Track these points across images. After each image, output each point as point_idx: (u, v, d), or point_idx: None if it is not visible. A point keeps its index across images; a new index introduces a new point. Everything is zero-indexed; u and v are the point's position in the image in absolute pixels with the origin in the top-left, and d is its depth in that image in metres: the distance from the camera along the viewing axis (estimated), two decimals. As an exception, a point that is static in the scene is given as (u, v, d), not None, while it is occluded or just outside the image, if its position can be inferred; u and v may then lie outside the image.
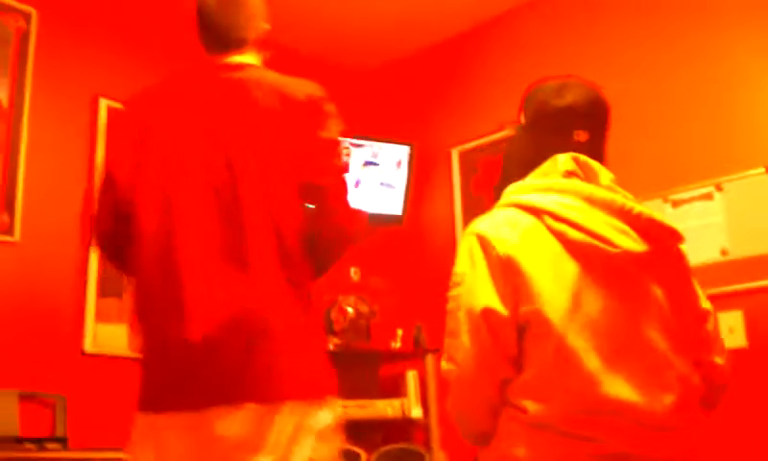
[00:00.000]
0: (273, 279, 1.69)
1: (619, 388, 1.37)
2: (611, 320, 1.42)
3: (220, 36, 1.90)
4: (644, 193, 3.39)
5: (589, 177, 1.54)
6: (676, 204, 3.36)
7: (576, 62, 3.81)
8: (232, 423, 1.61)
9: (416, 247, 4.32)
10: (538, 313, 1.40)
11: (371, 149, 4.19)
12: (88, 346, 3.29)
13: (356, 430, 3.32)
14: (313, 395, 1.68)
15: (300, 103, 1.80)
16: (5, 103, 3.23)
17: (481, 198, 4.04)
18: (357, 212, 1.85)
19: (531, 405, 1.39)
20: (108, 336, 3.35)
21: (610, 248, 1.42)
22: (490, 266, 1.44)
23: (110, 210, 1.83)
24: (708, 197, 3.29)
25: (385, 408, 3.76)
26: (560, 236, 1.44)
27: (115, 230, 1.83)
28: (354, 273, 4.33)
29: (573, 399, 1.37)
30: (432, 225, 4.29)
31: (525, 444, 1.39)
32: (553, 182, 1.52)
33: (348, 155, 1.90)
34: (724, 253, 3.18)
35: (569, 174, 1.53)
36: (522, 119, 1.68)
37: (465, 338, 1.45)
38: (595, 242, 1.43)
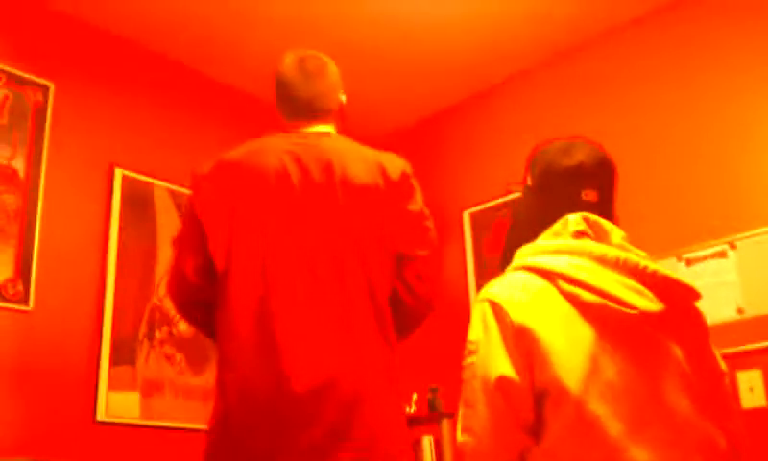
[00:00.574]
0: (373, 340, 1.72)
1: (644, 455, 1.33)
2: (630, 384, 1.38)
3: (306, 106, 1.93)
4: (657, 252, 3.38)
5: (601, 236, 1.53)
6: (690, 262, 3.34)
7: (586, 123, 3.85)
8: None
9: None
10: (554, 380, 1.37)
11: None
12: (101, 414, 3.27)
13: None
14: (405, 459, 1.70)
15: (396, 176, 1.87)
16: (22, 174, 3.28)
17: (493, 259, 4.04)
18: (439, 282, 1.94)
19: None
20: (121, 404, 3.33)
21: (625, 309, 1.40)
22: (503, 333, 1.42)
23: (203, 268, 1.82)
24: (722, 255, 3.27)
25: (400, 475, 3.70)
26: (573, 299, 1.42)
27: (205, 287, 1.82)
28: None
29: None
30: (445, 287, 4.27)
31: None
32: (564, 244, 1.51)
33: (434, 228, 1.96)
34: (740, 311, 3.15)
35: (580, 234, 1.51)
36: (529, 180, 1.68)
37: (481, 408, 1.42)
38: (610, 304, 1.40)
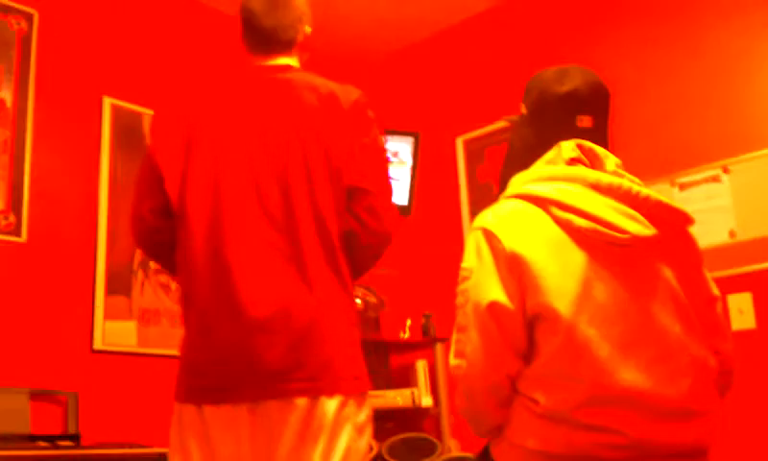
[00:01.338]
0: (323, 275, 1.73)
1: (633, 375, 1.36)
2: (621, 307, 1.41)
3: (266, 38, 1.91)
4: (651, 176, 3.38)
5: (595, 163, 1.53)
6: (683, 186, 3.35)
7: (580, 49, 3.80)
8: (283, 415, 1.65)
9: (423, 237, 4.32)
10: (546, 305, 1.39)
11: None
12: (98, 343, 3.30)
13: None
14: (358, 390, 1.73)
15: (349, 108, 1.84)
16: (9, 104, 3.24)
17: (488, 184, 4.04)
18: (398, 215, 1.90)
19: (542, 397, 1.38)
20: (117, 333, 3.36)
21: (618, 234, 1.41)
22: (496, 260, 1.44)
23: (160, 209, 1.84)
24: (716, 179, 3.27)
25: (395, 398, 3.76)
26: (565, 225, 1.43)
27: (163, 227, 1.85)
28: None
29: (585, 388, 1.36)
30: (439, 214, 4.28)
31: (537, 435, 1.39)
32: (558, 171, 1.51)
33: (389, 160, 1.94)
34: (732, 234, 3.17)
35: (574, 161, 1.51)
36: (524, 109, 1.67)
37: (473, 333, 1.45)
38: (602, 229, 1.42)
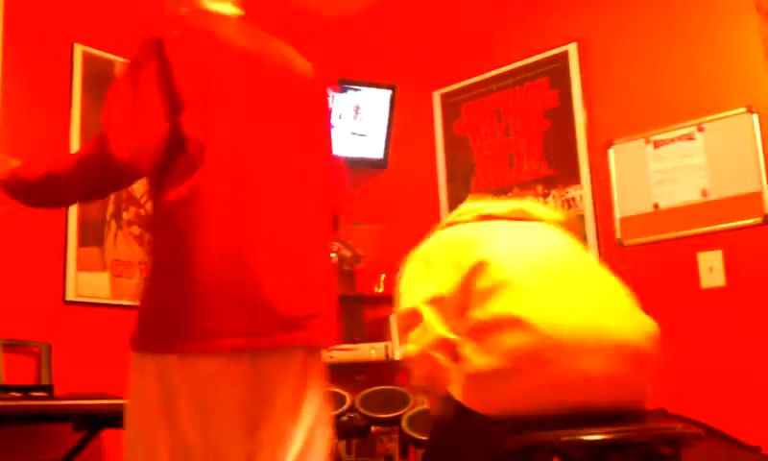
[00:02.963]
0: (324, 234, 1.80)
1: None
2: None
3: None
4: (625, 134, 3.39)
5: None
6: (657, 144, 3.36)
7: (559, 5, 3.77)
8: (280, 364, 1.64)
9: (399, 191, 4.31)
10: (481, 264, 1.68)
11: (354, 94, 4.15)
12: (70, 294, 3.28)
13: (341, 373, 3.35)
14: (331, 341, 1.75)
15: (324, 76, 1.91)
16: (-24, 49, 3.16)
17: (465, 138, 4.03)
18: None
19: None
20: (91, 284, 3.34)
21: None
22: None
23: (164, 141, 1.57)
24: (690, 137, 3.29)
25: (369, 351, 3.80)
26: None
27: (160, 159, 1.58)
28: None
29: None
30: (415, 169, 4.27)
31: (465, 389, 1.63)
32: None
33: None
34: (704, 193, 3.20)
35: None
36: None
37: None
38: None
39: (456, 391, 1.65)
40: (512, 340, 1.57)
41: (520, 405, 1.56)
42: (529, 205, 1.97)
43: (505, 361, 1.58)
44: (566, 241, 1.85)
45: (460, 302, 1.72)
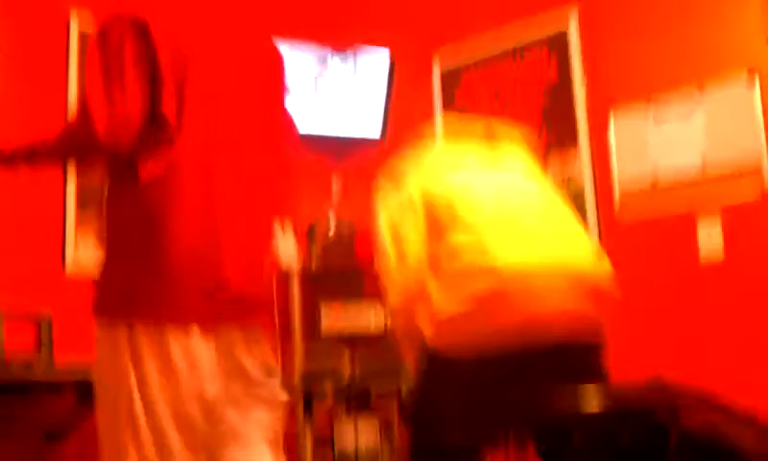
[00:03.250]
0: (270, 220, 1.94)
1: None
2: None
3: None
4: (626, 98, 3.37)
5: None
6: (658, 108, 3.34)
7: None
8: (241, 338, 1.79)
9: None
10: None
11: (351, 61, 4.12)
12: (70, 266, 3.28)
13: (342, 343, 3.37)
14: (270, 321, 1.94)
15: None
16: (-29, 19, 3.13)
17: (464, 107, 4.00)
18: None
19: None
20: (90, 256, 3.34)
21: None
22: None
23: (145, 114, 1.64)
24: (691, 102, 3.27)
25: (368, 321, 3.83)
26: None
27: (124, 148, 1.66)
28: (336, 191, 4.31)
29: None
30: (411, 129, 4.23)
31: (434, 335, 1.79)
32: None
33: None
34: (704, 159, 3.18)
35: None
36: None
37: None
38: None
39: (428, 337, 1.81)
40: (475, 285, 1.71)
41: (486, 345, 1.69)
42: (500, 150, 2.19)
43: (469, 305, 1.70)
44: (533, 187, 2.03)
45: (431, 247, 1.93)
